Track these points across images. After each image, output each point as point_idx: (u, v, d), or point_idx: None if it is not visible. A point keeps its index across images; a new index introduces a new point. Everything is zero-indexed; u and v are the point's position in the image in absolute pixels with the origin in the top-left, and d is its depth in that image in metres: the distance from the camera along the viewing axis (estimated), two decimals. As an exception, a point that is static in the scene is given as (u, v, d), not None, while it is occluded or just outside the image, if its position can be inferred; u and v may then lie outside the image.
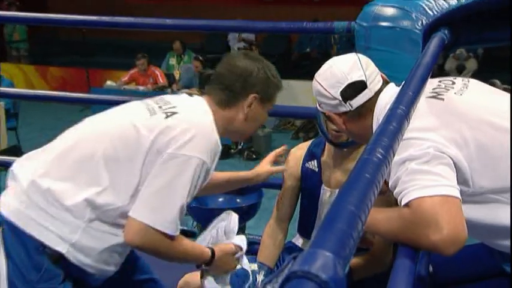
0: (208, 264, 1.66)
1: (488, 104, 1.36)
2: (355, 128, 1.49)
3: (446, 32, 1.93)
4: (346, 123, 1.49)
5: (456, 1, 1.96)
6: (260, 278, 1.89)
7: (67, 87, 8.50)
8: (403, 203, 1.19)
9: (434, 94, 1.36)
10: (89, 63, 8.49)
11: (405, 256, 1.13)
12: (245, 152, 6.25)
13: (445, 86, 1.40)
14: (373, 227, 1.25)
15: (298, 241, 2.09)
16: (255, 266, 1.87)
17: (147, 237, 1.47)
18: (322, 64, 1.52)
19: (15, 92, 4.23)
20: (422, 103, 1.32)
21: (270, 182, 2.23)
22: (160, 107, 1.57)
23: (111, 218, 1.51)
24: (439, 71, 7.54)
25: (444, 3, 1.96)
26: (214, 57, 9.87)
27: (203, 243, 1.73)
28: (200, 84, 6.78)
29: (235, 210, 1.88)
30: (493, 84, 1.65)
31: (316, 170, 1.98)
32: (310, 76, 1.68)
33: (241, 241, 1.74)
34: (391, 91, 1.44)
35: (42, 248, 1.48)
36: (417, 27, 1.92)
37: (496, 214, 1.28)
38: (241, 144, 6.23)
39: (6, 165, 5.03)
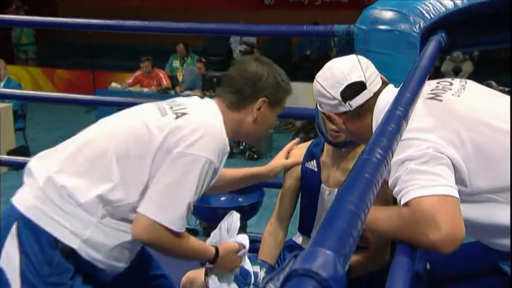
0: (212, 262, 1.67)
1: (485, 106, 1.36)
2: (354, 127, 1.49)
3: (443, 35, 1.93)
4: (346, 123, 1.49)
5: (453, 5, 1.95)
6: (261, 275, 1.88)
7: (73, 89, 8.52)
8: (402, 202, 1.19)
9: (433, 95, 1.36)
10: (94, 65, 8.51)
11: (403, 254, 1.13)
12: (247, 152, 6.25)
13: (443, 87, 1.40)
14: (373, 226, 1.25)
15: (299, 239, 2.09)
16: (256, 268, 1.87)
17: (154, 233, 1.49)
18: (322, 66, 1.53)
19: (23, 94, 4.24)
20: (421, 104, 1.32)
21: (270, 181, 2.23)
22: (171, 108, 1.58)
23: (122, 214, 1.52)
24: (435, 73, 7.53)
25: (441, 6, 1.96)
26: (216, 59, 9.91)
27: (208, 242, 1.74)
28: (203, 86, 6.79)
29: (237, 209, 1.88)
30: (489, 86, 1.65)
31: (316, 169, 1.98)
32: (310, 78, 1.68)
33: (244, 239, 1.74)
34: (390, 92, 1.44)
35: (55, 242, 1.49)
36: (415, 30, 1.92)
37: (493, 213, 1.27)
38: (243, 144, 6.23)
39: (15, 165, 5.06)
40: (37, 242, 1.49)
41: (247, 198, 3.27)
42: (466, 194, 1.25)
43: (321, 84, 1.48)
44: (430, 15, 1.94)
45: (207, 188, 1.56)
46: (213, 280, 1.73)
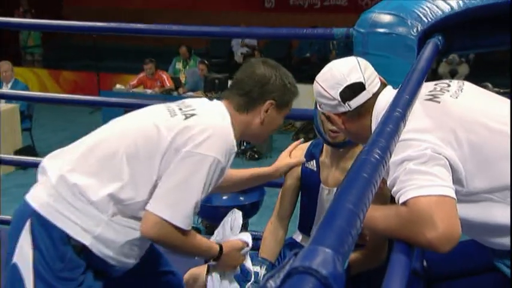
0: (216, 259, 1.68)
1: (482, 107, 1.36)
2: (353, 127, 1.49)
3: (440, 38, 1.93)
4: (345, 123, 1.49)
5: (450, 8, 1.95)
6: (262, 272, 1.88)
7: (78, 91, 8.53)
8: (400, 202, 1.19)
9: (431, 97, 1.36)
10: (99, 67, 8.51)
11: (401, 251, 1.13)
12: (248, 152, 6.25)
13: (441, 88, 1.40)
14: (371, 224, 1.25)
15: (298, 237, 2.09)
16: (257, 268, 1.87)
17: (162, 231, 1.49)
18: (322, 68, 1.53)
19: (29, 95, 4.25)
20: (419, 105, 1.32)
21: (271, 181, 2.23)
22: (180, 109, 1.59)
23: (132, 212, 1.53)
24: (433, 75, 7.53)
25: (438, 10, 1.95)
26: (218, 61, 9.92)
27: (212, 239, 1.74)
28: (205, 88, 6.79)
29: (239, 207, 1.88)
30: (485, 87, 1.65)
31: (315, 169, 1.98)
32: (309, 80, 1.68)
33: (248, 237, 1.75)
34: (389, 93, 1.44)
35: (67, 239, 1.50)
36: (412, 33, 1.92)
37: (489, 212, 1.27)
38: (244, 144, 6.24)
39: (22, 164, 5.05)
40: (50, 238, 1.50)
41: (248, 197, 3.27)
42: (463, 193, 1.25)
43: (320, 85, 1.48)
44: (427, 19, 1.94)
45: (214, 187, 1.57)
46: (214, 278, 1.73)
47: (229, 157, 1.57)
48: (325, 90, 1.47)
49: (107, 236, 1.52)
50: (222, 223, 1.79)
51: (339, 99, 1.45)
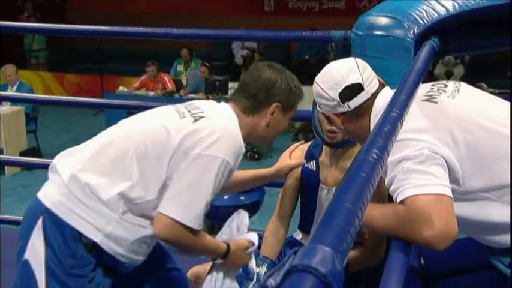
0: (223, 257, 1.68)
1: (479, 107, 1.36)
2: (352, 127, 1.49)
3: (436, 40, 1.93)
4: (344, 123, 1.49)
5: (446, 11, 1.95)
6: (263, 270, 1.88)
7: (82, 93, 8.51)
8: (398, 200, 1.19)
9: (428, 97, 1.36)
10: (102, 70, 8.51)
11: (398, 249, 1.13)
12: (248, 152, 6.24)
13: (438, 89, 1.40)
14: (369, 223, 1.25)
15: (298, 236, 2.09)
16: (261, 269, 1.87)
17: (174, 231, 1.51)
18: (320, 70, 1.53)
19: (34, 97, 4.25)
20: (416, 106, 1.32)
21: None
22: (189, 111, 1.60)
23: (141, 211, 1.54)
24: (429, 76, 7.53)
25: (435, 13, 1.95)
26: (219, 64, 9.91)
27: (218, 239, 1.74)
28: (206, 89, 6.78)
29: (239, 207, 1.88)
30: (479, 87, 1.65)
31: (315, 169, 1.98)
32: (308, 81, 1.68)
33: (254, 237, 1.76)
34: (387, 94, 1.44)
35: (78, 236, 1.51)
36: (409, 35, 1.92)
37: (486, 211, 1.27)
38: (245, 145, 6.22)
39: (27, 165, 5.04)
40: (61, 236, 1.51)
41: (249, 197, 3.27)
42: (460, 192, 1.25)
43: (320, 86, 1.48)
44: (423, 21, 1.94)
45: (223, 187, 1.58)
46: (216, 276, 1.73)
47: (237, 158, 1.58)
48: (325, 91, 1.47)
49: (117, 233, 1.53)
50: (228, 223, 1.80)
51: (338, 99, 1.45)
